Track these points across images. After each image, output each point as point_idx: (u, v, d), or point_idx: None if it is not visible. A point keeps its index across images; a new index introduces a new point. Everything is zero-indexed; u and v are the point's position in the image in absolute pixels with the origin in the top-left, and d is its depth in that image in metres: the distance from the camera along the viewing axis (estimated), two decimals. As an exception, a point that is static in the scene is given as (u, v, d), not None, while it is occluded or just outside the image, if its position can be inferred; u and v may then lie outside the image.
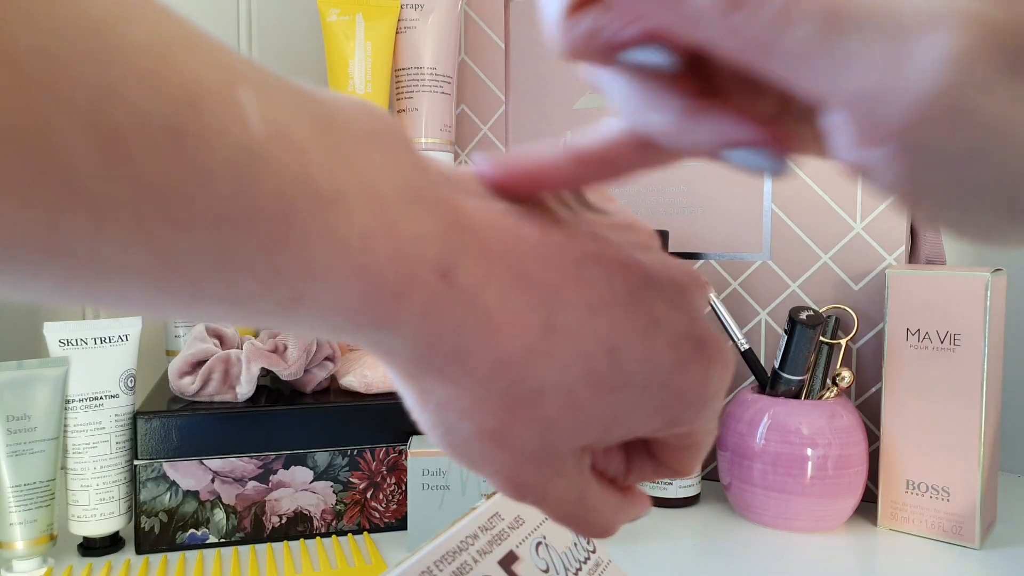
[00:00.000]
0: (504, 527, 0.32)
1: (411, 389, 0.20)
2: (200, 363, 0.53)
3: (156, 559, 0.50)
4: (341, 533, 0.54)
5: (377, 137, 0.17)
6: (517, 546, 0.32)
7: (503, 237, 0.19)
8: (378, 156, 0.17)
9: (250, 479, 0.52)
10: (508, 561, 0.31)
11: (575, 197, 0.23)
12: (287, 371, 0.54)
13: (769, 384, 0.59)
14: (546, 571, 0.32)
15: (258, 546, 0.52)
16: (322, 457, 0.53)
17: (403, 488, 0.54)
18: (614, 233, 0.22)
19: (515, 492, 0.22)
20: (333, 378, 0.58)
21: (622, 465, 0.25)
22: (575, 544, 0.34)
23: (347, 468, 0.54)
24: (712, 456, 0.65)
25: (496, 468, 0.21)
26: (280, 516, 0.53)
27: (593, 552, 0.35)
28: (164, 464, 0.51)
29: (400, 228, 0.17)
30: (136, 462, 0.51)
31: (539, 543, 0.33)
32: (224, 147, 0.14)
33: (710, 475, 0.65)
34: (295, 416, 0.53)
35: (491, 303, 0.18)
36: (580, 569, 0.34)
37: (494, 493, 0.33)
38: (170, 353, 0.64)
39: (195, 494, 0.51)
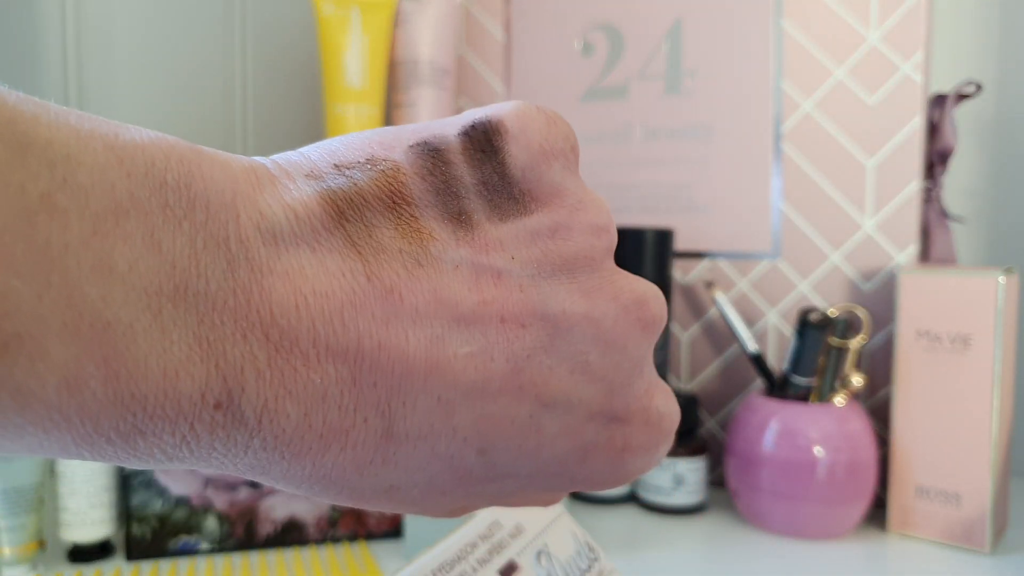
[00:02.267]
0: (504, 536, 0.32)
1: None
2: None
3: (147, 566, 0.49)
4: (336, 541, 0.52)
5: (131, 210, 0.12)
6: (517, 555, 0.31)
7: (319, 332, 0.14)
8: (124, 247, 0.12)
9: (243, 485, 0.51)
10: (508, 570, 0.31)
11: (490, 177, 0.16)
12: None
13: (778, 387, 0.57)
14: None
15: (251, 554, 0.51)
16: (317, 462, 0.52)
17: (401, 493, 0.53)
18: (523, 254, 0.16)
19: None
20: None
21: None
22: (577, 553, 0.34)
23: (343, 473, 0.52)
24: (719, 462, 0.64)
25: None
26: (273, 523, 0.52)
27: (596, 560, 0.34)
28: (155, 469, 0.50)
29: (131, 363, 0.12)
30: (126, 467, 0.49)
31: (540, 552, 0.32)
32: None
33: (717, 481, 0.64)
34: (289, 420, 0.51)
35: (290, 426, 0.14)
36: None
37: None
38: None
39: (187, 500, 0.50)
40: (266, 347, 0.13)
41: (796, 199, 0.62)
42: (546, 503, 0.19)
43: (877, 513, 0.57)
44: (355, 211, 0.15)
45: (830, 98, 0.60)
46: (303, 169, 0.15)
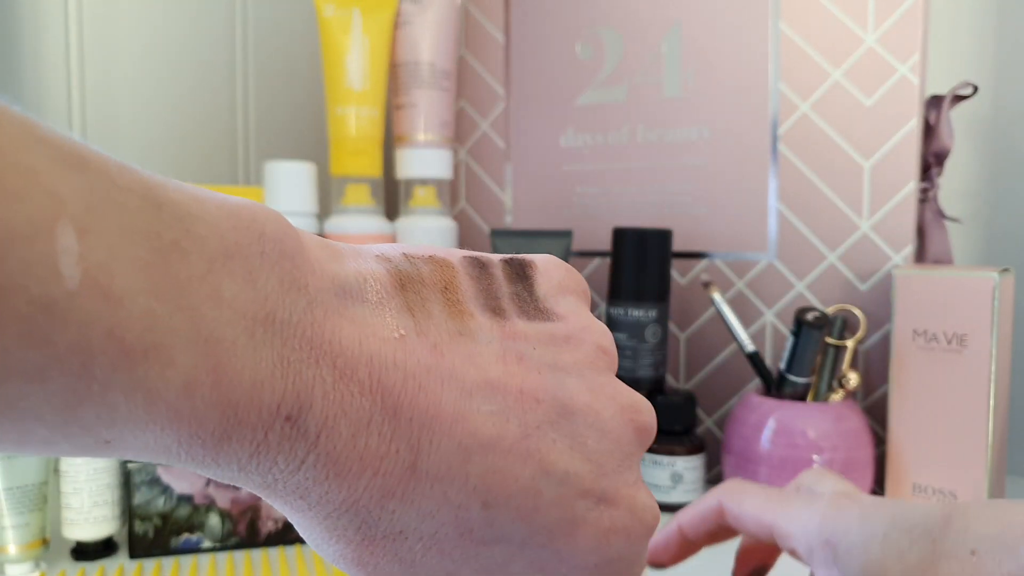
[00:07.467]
0: None
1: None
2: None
3: (150, 564, 0.49)
4: (338, 537, 0.53)
5: (236, 254, 0.15)
6: None
7: (374, 366, 0.17)
8: (229, 282, 0.15)
9: (246, 483, 0.51)
10: None
11: (520, 292, 0.20)
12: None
13: (775, 386, 0.58)
14: None
15: (253, 551, 0.51)
16: (319, 460, 0.52)
17: (401, 492, 0.53)
18: (543, 349, 0.19)
19: None
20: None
21: None
22: None
23: (344, 471, 0.53)
24: (717, 460, 0.64)
25: None
26: (276, 521, 0.52)
27: None
28: (158, 467, 0.50)
29: (232, 373, 0.15)
30: (129, 465, 0.50)
31: None
32: (20, 302, 0.12)
33: (715, 479, 0.64)
34: (291, 419, 0.52)
35: (340, 444, 0.16)
36: None
37: None
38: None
39: (189, 498, 0.50)
40: (332, 372, 0.16)
41: (793, 200, 0.62)
42: None
43: (874, 511, 0.58)
44: (414, 287, 0.18)
45: (827, 100, 0.61)
46: (373, 252, 0.19)
